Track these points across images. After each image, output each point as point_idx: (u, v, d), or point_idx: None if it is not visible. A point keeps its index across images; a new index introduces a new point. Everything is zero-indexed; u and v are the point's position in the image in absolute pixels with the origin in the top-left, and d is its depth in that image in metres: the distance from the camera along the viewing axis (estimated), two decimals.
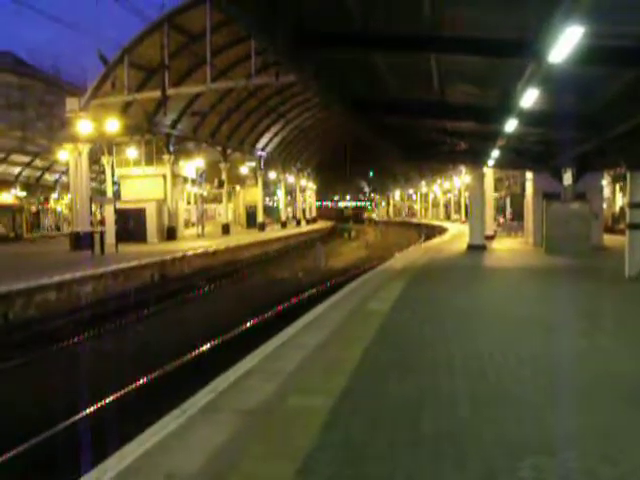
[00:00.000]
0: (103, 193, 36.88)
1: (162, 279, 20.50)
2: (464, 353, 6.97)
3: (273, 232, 43.38)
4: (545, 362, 6.61)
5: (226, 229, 38.95)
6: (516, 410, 5.05)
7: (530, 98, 10.62)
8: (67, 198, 45.85)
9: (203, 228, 38.37)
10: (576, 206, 20.13)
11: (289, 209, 62.36)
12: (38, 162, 47.69)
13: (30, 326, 13.02)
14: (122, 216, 29.38)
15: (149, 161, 33.34)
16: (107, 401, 8.06)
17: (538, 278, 15.22)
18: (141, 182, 33.41)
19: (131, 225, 30.89)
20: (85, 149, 26.49)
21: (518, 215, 33.14)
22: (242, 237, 35.44)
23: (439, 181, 67.17)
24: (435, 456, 4.13)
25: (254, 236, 37.13)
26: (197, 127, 34.04)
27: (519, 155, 21.79)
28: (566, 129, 13.95)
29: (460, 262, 19.75)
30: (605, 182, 32.68)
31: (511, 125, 13.69)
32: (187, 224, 40.96)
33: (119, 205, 29.70)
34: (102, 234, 25.60)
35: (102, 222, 33.63)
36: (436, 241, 33.04)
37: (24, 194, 48.41)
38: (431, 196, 75.72)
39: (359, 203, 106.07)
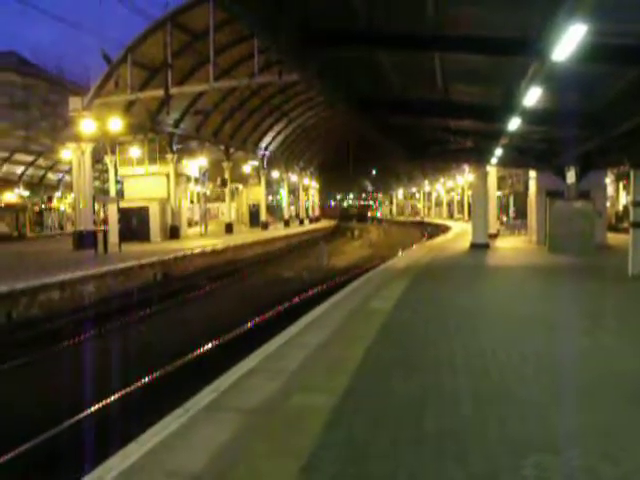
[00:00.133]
0: (106, 192, 36.97)
1: (165, 278, 20.54)
2: (467, 351, 6.97)
3: (276, 231, 43.40)
4: (548, 360, 6.61)
5: (229, 228, 39.01)
6: (519, 408, 5.05)
7: (533, 96, 10.61)
8: (70, 197, 45.94)
9: (206, 227, 38.42)
10: (579, 204, 20.07)
11: (292, 208, 62.34)
12: (41, 161, 47.82)
13: (33, 325, 13.05)
14: (125, 215, 29.45)
15: (152, 160, 33.38)
16: (111, 400, 8.09)
17: (541, 276, 15.19)
18: (144, 181, 33.48)
19: (134, 224, 30.94)
20: (88, 148, 26.53)
21: (521, 213, 33.16)
22: (245, 236, 35.47)
23: (442, 180, 67.15)
24: (438, 454, 4.13)
25: (257, 235, 37.15)
26: (200, 126, 34.06)
27: (522, 153, 21.75)
28: (569, 127, 13.93)
29: (463, 261, 19.72)
30: (609, 180, 32.58)
31: (514, 123, 13.67)
32: (190, 223, 40.98)
33: (122, 204, 29.77)
34: (105, 233, 25.63)
35: (105, 221, 33.70)
36: (439, 240, 33.01)
37: (27, 193, 48.55)
38: (434, 195, 75.71)
39: (363, 202, 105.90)
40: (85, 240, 25.64)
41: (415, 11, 8.70)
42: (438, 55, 10.62)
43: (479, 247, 23.14)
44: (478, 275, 15.63)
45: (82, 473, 4.27)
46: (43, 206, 49.45)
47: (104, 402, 7.96)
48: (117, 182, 33.87)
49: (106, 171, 35.45)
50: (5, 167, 46.19)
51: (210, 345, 11.06)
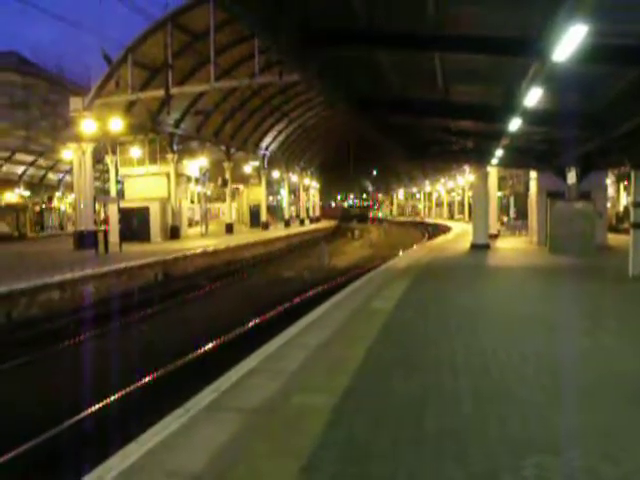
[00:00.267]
0: (107, 192, 36.98)
1: (166, 278, 20.54)
2: (468, 351, 6.97)
3: (277, 231, 43.38)
4: (548, 360, 6.61)
5: (230, 228, 39.02)
6: (519, 408, 5.05)
7: (534, 97, 10.61)
8: (71, 197, 45.96)
9: (207, 227, 38.41)
10: (580, 205, 20.07)
11: (292, 208, 62.32)
12: (42, 161, 47.84)
13: (33, 325, 13.06)
14: (126, 215, 29.44)
15: (153, 160, 33.38)
16: (111, 400, 8.09)
17: (542, 277, 15.19)
18: (145, 181, 33.48)
19: (135, 224, 30.93)
20: (89, 148, 26.54)
21: (522, 214, 33.12)
22: (246, 236, 35.47)
23: (443, 180, 67.15)
24: (438, 454, 4.13)
25: (258, 235, 37.15)
26: (201, 126, 34.07)
27: (523, 154, 21.77)
28: (570, 128, 13.92)
29: (464, 261, 19.73)
30: (609, 181, 32.58)
31: (515, 124, 13.66)
32: (191, 223, 41.00)
33: (123, 204, 29.75)
34: (106, 233, 25.61)
35: (106, 221, 33.68)
36: (440, 240, 33.01)
37: (28, 193, 48.57)
38: (435, 195, 75.72)
39: (363, 202, 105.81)
40: (85, 240, 25.65)
41: (415, 10, 8.70)
42: (438, 55, 10.62)
43: (480, 247, 23.14)
44: (479, 275, 15.63)
45: (82, 473, 4.27)
46: (44, 206, 49.45)
47: (104, 402, 7.96)
48: (118, 182, 33.86)
49: (107, 171, 35.46)
50: (6, 167, 46.22)
51: (211, 345, 11.06)
